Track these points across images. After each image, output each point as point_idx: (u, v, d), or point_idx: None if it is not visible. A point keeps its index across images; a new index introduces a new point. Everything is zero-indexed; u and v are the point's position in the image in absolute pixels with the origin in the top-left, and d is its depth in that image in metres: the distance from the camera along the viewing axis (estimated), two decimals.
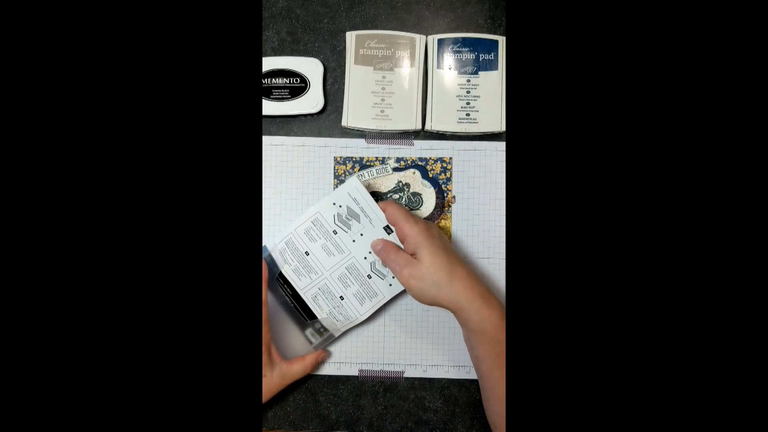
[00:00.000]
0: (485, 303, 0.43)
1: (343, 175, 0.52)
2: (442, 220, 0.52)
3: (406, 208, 0.48)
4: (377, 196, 0.52)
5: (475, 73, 0.51)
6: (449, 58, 0.51)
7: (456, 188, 0.52)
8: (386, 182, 0.52)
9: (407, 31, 0.52)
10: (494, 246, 0.52)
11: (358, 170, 0.52)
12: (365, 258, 0.48)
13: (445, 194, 0.52)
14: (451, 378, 0.51)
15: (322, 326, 0.49)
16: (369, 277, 0.48)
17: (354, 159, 0.52)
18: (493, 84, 0.51)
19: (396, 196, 0.52)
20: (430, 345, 0.52)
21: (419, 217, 0.47)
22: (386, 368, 0.51)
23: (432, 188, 0.52)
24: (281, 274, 0.48)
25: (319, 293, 0.48)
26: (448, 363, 0.52)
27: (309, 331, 0.49)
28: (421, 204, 0.52)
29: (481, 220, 0.52)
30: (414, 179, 0.52)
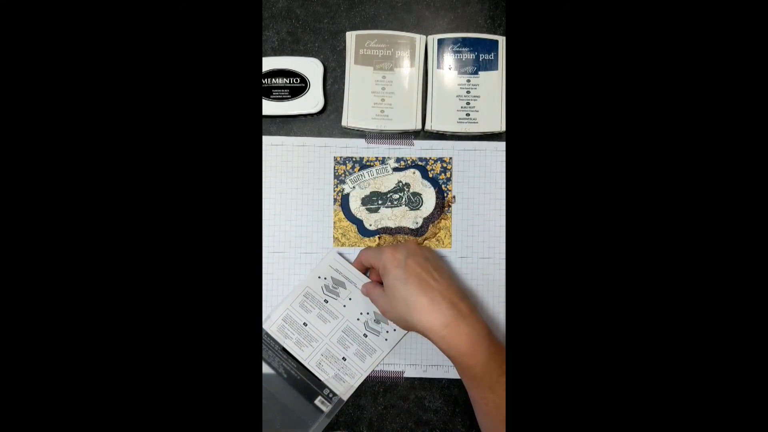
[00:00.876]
0: (451, 331, 0.41)
1: (342, 175, 0.52)
2: (442, 220, 0.52)
3: (376, 247, 0.50)
4: (379, 195, 0.52)
5: (475, 73, 0.51)
6: (449, 58, 0.51)
7: (456, 188, 0.52)
8: (386, 182, 0.52)
9: (407, 31, 0.52)
10: (494, 246, 0.52)
11: (358, 170, 0.52)
12: (358, 319, 0.51)
13: (445, 194, 0.52)
14: (451, 378, 0.51)
15: (331, 391, 0.50)
16: (365, 335, 0.51)
17: (354, 159, 0.52)
18: (493, 84, 0.51)
19: (396, 196, 0.52)
20: (430, 345, 0.52)
21: (389, 246, 0.47)
22: (386, 368, 0.51)
23: (432, 188, 0.52)
24: (284, 350, 0.51)
25: (322, 359, 0.51)
26: (448, 363, 0.51)
27: (318, 400, 0.50)
28: (421, 204, 0.52)
29: (481, 220, 0.52)
30: (414, 179, 0.52)
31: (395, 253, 0.45)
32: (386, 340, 0.51)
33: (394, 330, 0.51)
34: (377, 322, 0.50)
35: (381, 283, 0.47)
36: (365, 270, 0.51)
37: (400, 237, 0.52)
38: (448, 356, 0.42)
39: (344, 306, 0.51)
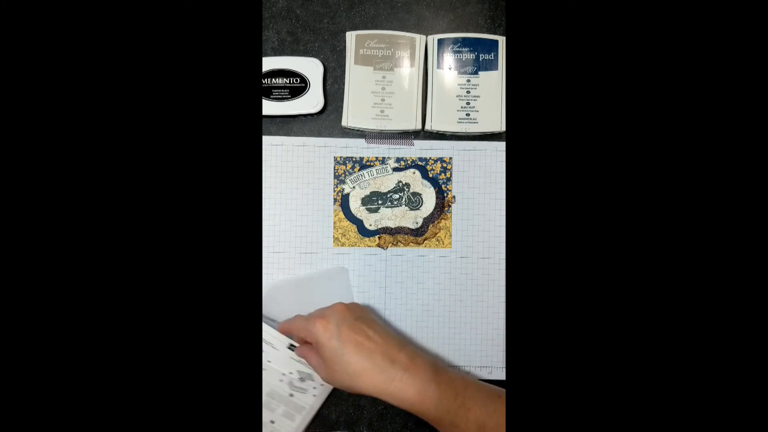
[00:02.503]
0: (395, 386, 0.42)
1: (342, 175, 0.52)
2: (442, 220, 0.52)
3: (307, 316, 0.47)
4: (379, 195, 0.52)
5: (475, 73, 0.51)
6: (449, 58, 0.51)
7: (456, 188, 0.52)
8: (386, 182, 0.52)
9: (407, 31, 0.52)
10: (494, 246, 0.52)
11: (358, 170, 0.52)
12: (280, 381, 0.49)
13: (445, 194, 0.52)
14: None
15: None
16: (291, 395, 0.50)
17: (354, 159, 0.52)
18: (493, 84, 0.51)
19: (396, 196, 0.52)
20: (431, 345, 0.52)
21: (317, 317, 0.44)
22: None
23: (432, 188, 0.52)
24: None
25: None
26: (448, 363, 0.52)
27: None
28: (421, 204, 0.52)
29: (481, 220, 0.52)
30: (414, 179, 0.52)
31: (326, 324, 0.43)
32: (314, 396, 0.50)
33: (322, 385, 0.50)
34: (302, 380, 0.49)
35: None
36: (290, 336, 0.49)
37: (400, 237, 0.52)
38: (403, 408, 0.42)
39: (265, 370, 0.49)
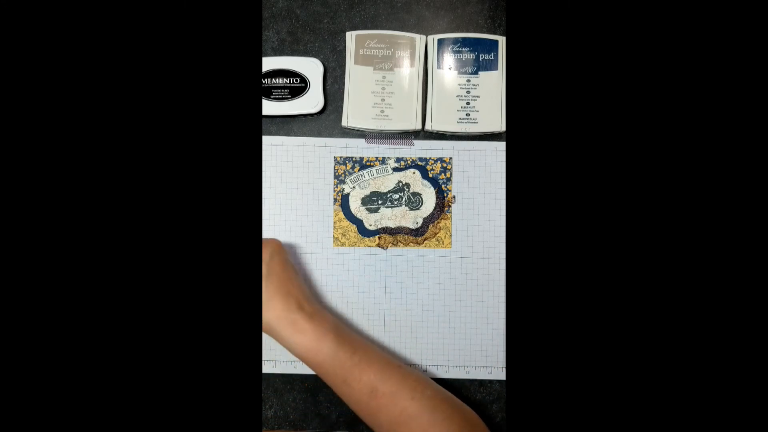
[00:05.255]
0: (294, 329, 0.42)
1: (342, 175, 0.52)
2: (442, 220, 0.52)
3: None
4: (379, 195, 0.52)
5: (475, 73, 0.51)
6: (449, 58, 0.51)
7: (456, 188, 0.52)
8: (386, 182, 0.52)
9: (407, 31, 0.52)
10: (494, 246, 0.52)
11: (358, 170, 0.52)
12: None
13: (445, 194, 0.52)
14: (452, 378, 0.51)
15: None
16: None
17: (354, 159, 0.52)
18: (493, 84, 0.51)
19: (396, 196, 0.52)
20: (430, 345, 0.52)
21: None
22: None
23: (432, 188, 0.52)
24: None
25: None
26: (448, 363, 0.52)
27: None
28: (421, 204, 0.52)
29: (481, 220, 0.52)
30: (414, 179, 0.52)
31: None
32: None
33: None
34: None
35: None
36: None
37: (400, 237, 0.52)
38: (296, 355, 0.43)
39: None
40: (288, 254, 0.47)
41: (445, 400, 0.43)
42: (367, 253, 0.52)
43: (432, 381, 0.45)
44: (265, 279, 0.43)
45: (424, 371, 0.51)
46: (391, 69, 0.51)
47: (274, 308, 0.43)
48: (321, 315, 0.44)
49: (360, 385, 0.42)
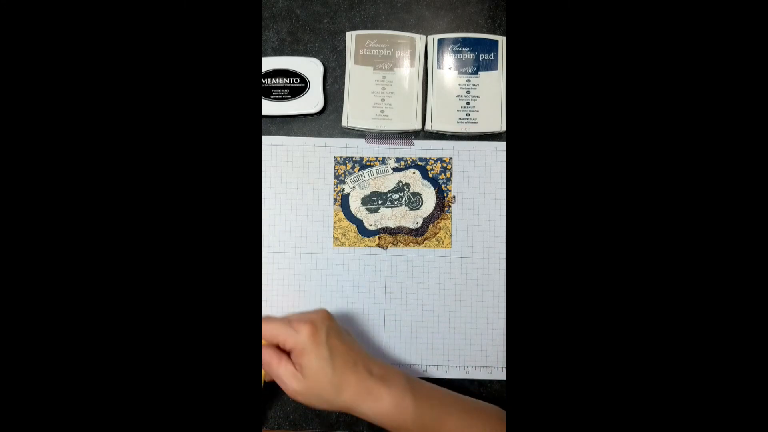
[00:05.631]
0: (374, 398, 0.41)
1: (342, 175, 0.52)
2: (442, 220, 0.52)
3: (284, 318, 0.42)
4: (379, 195, 0.52)
5: (475, 73, 0.51)
6: (449, 58, 0.51)
7: (456, 188, 0.52)
8: (386, 182, 0.52)
9: (407, 31, 0.52)
10: (494, 246, 0.52)
11: (358, 170, 0.52)
12: None
13: (445, 194, 0.52)
14: (452, 378, 0.51)
15: None
16: None
17: (354, 159, 0.52)
18: (493, 84, 0.51)
19: (396, 196, 0.52)
20: (430, 345, 0.52)
21: (301, 321, 0.41)
22: None
23: (432, 188, 0.52)
24: None
25: None
26: (448, 363, 0.52)
27: None
28: (421, 204, 0.52)
29: (481, 220, 0.52)
30: (414, 179, 0.52)
31: (316, 331, 0.41)
32: None
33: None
34: None
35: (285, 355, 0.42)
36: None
37: (400, 237, 0.52)
38: (379, 423, 0.42)
39: None
40: (336, 320, 0.44)
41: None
42: (367, 253, 0.52)
43: (495, 407, 0.45)
44: (331, 360, 0.40)
45: (424, 371, 0.51)
46: (391, 69, 0.51)
47: (348, 385, 0.40)
48: (391, 374, 0.42)
49: None
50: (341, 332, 0.43)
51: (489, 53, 0.51)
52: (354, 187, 0.52)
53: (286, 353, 0.42)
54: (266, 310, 0.51)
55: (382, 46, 0.51)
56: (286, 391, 0.41)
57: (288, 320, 0.41)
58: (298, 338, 0.40)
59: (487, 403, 0.45)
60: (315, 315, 0.42)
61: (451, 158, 0.52)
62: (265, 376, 0.44)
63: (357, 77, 0.51)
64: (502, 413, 0.44)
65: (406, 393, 0.41)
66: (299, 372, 0.41)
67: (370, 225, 0.52)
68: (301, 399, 0.41)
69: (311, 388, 0.40)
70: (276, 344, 0.42)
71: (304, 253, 0.52)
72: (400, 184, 0.52)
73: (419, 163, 0.52)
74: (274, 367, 0.41)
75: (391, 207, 0.52)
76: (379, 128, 0.51)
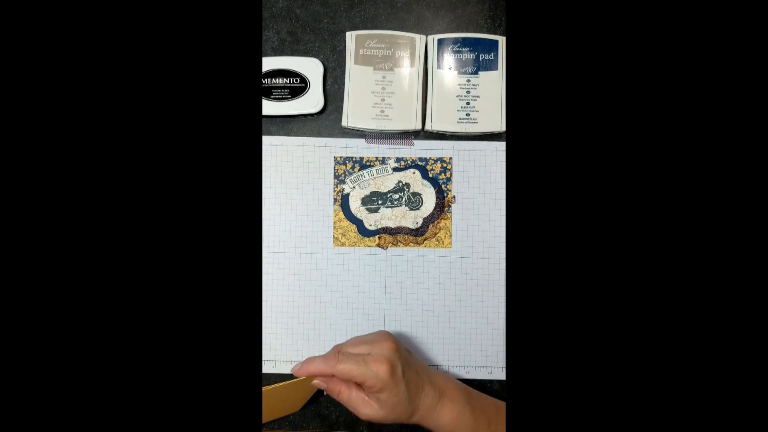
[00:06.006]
0: (437, 412, 0.43)
1: (342, 175, 0.52)
2: (442, 220, 0.52)
3: (358, 356, 0.42)
4: (379, 195, 0.52)
5: (475, 73, 0.51)
6: (449, 58, 0.51)
7: (456, 188, 0.52)
8: (386, 182, 0.52)
9: (407, 31, 0.52)
10: (494, 246, 0.52)
11: (358, 170, 0.52)
12: None
13: (445, 194, 0.52)
14: None
15: None
16: None
17: (354, 159, 0.52)
18: (493, 84, 0.51)
19: (396, 196, 0.52)
20: (431, 345, 0.52)
21: (378, 360, 0.41)
22: None
23: (432, 188, 0.52)
24: None
25: None
26: (448, 363, 0.52)
27: None
28: (421, 204, 0.52)
29: (481, 220, 0.52)
30: (414, 179, 0.52)
31: (393, 368, 0.41)
32: None
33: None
34: None
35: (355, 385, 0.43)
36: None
37: (400, 237, 0.52)
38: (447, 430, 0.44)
39: None
40: (398, 341, 0.45)
41: None
42: (367, 253, 0.52)
43: None
44: (407, 393, 0.42)
45: None
46: (391, 69, 0.51)
47: (419, 409, 0.43)
48: (449, 387, 0.44)
49: None
50: (410, 360, 0.44)
51: (489, 53, 0.51)
52: (354, 187, 0.52)
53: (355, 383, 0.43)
54: (266, 310, 0.51)
55: (382, 46, 0.51)
56: (358, 416, 0.43)
57: (363, 359, 0.42)
58: (377, 378, 0.41)
59: None
60: (388, 350, 0.43)
61: (451, 158, 0.52)
62: (270, 416, 0.45)
63: (357, 77, 0.51)
64: None
65: (466, 408, 0.44)
66: (372, 401, 0.42)
67: (370, 225, 0.52)
68: (374, 422, 0.43)
69: (387, 417, 0.42)
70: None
71: (304, 253, 0.52)
72: (400, 184, 0.52)
73: (419, 163, 0.52)
74: (344, 395, 0.43)
75: (391, 207, 0.52)
76: (379, 128, 0.51)
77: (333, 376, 0.42)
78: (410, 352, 0.47)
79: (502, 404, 0.46)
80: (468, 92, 0.51)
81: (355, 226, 0.52)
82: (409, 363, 0.44)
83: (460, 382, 0.46)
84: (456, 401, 0.44)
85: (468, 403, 0.44)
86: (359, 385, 0.42)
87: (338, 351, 0.43)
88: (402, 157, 0.52)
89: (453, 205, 0.52)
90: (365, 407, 0.42)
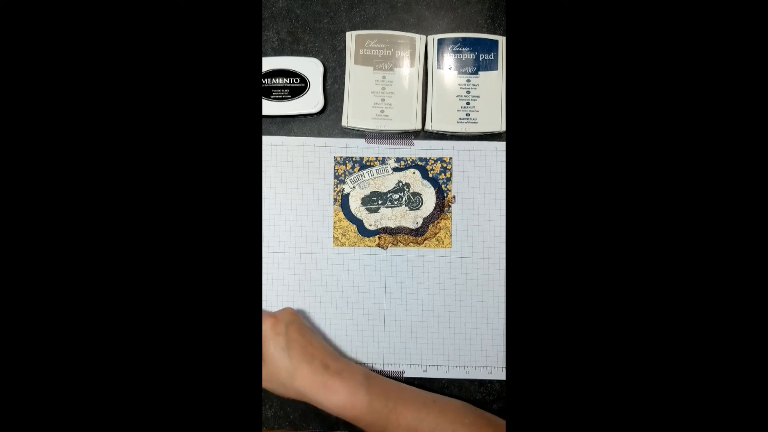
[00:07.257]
0: (327, 390, 0.43)
1: (342, 175, 0.52)
2: (442, 220, 0.52)
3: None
4: (379, 195, 0.52)
5: (475, 73, 0.51)
6: (449, 58, 0.51)
7: (456, 188, 0.52)
8: (386, 182, 0.52)
9: (407, 31, 0.52)
10: (494, 246, 0.52)
11: (358, 170, 0.52)
12: None
13: (445, 194, 0.52)
14: (451, 378, 0.51)
15: None
16: None
17: (354, 159, 0.52)
18: (493, 84, 0.51)
19: (396, 196, 0.52)
20: (430, 345, 0.52)
21: (268, 313, 0.47)
22: (386, 368, 0.51)
23: (432, 188, 0.52)
24: None
25: None
26: (448, 363, 0.52)
27: None
28: (421, 204, 0.52)
29: (481, 220, 0.52)
30: (414, 179, 0.52)
31: (277, 323, 0.45)
32: None
33: None
34: None
35: None
36: None
37: (400, 237, 0.52)
38: (335, 414, 0.44)
39: None
40: (303, 318, 0.48)
41: (488, 423, 0.45)
42: (367, 253, 0.52)
43: (472, 407, 0.46)
44: (287, 350, 0.44)
45: (424, 371, 0.51)
46: (391, 69, 0.51)
47: (303, 376, 0.44)
48: (349, 370, 0.45)
49: (399, 430, 0.43)
50: (303, 328, 0.46)
51: (489, 53, 0.51)
52: (354, 187, 0.52)
53: None
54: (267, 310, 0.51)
55: (382, 46, 0.51)
56: None
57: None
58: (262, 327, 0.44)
59: (448, 398, 0.47)
60: (280, 312, 0.47)
61: (451, 158, 0.52)
62: None
63: (357, 77, 0.51)
64: (463, 406, 0.46)
65: (360, 386, 0.44)
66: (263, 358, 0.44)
67: (370, 225, 0.52)
68: (265, 383, 0.45)
69: (270, 373, 0.44)
70: None
71: (304, 253, 0.52)
72: (400, 184, 0.52)
73: (419, 163, 0.52)
74: None
75: (391, 207, 0.52)
76: (379, 128, 0.51)
77: None
78: (314, 333, 0.48)
79: (407, 387, 0.46)
80: (468, 92, 0.51)
81: (355, 226, 0.52)
82: (301, 330, 0.46)
83: (363, 368, 0.46)
84: (350, 380, 0.44)
85: (363, 384, 0.44)
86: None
87: None
88: (402, 157, 0.52)
89: (453, 205, 0.52)
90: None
